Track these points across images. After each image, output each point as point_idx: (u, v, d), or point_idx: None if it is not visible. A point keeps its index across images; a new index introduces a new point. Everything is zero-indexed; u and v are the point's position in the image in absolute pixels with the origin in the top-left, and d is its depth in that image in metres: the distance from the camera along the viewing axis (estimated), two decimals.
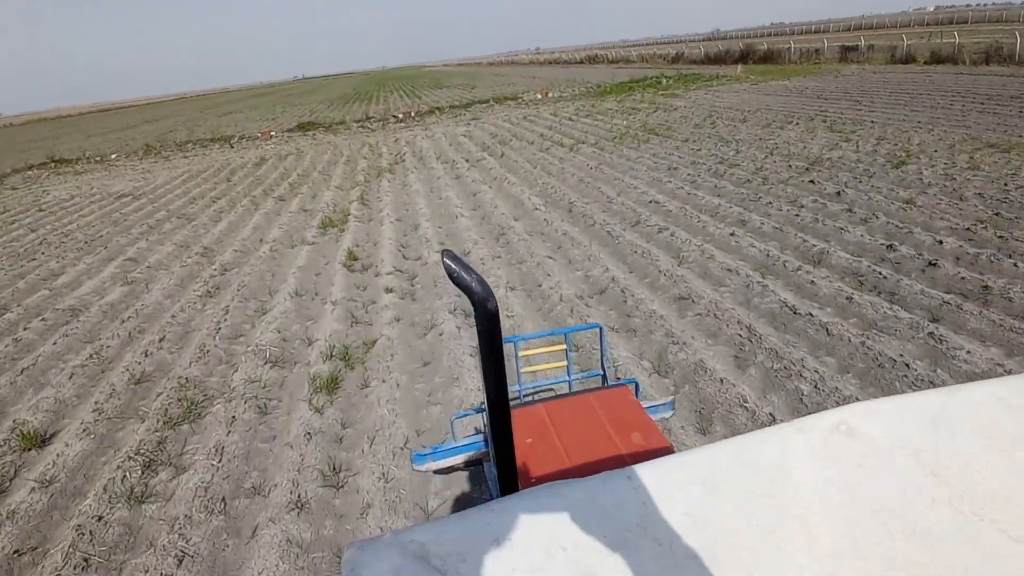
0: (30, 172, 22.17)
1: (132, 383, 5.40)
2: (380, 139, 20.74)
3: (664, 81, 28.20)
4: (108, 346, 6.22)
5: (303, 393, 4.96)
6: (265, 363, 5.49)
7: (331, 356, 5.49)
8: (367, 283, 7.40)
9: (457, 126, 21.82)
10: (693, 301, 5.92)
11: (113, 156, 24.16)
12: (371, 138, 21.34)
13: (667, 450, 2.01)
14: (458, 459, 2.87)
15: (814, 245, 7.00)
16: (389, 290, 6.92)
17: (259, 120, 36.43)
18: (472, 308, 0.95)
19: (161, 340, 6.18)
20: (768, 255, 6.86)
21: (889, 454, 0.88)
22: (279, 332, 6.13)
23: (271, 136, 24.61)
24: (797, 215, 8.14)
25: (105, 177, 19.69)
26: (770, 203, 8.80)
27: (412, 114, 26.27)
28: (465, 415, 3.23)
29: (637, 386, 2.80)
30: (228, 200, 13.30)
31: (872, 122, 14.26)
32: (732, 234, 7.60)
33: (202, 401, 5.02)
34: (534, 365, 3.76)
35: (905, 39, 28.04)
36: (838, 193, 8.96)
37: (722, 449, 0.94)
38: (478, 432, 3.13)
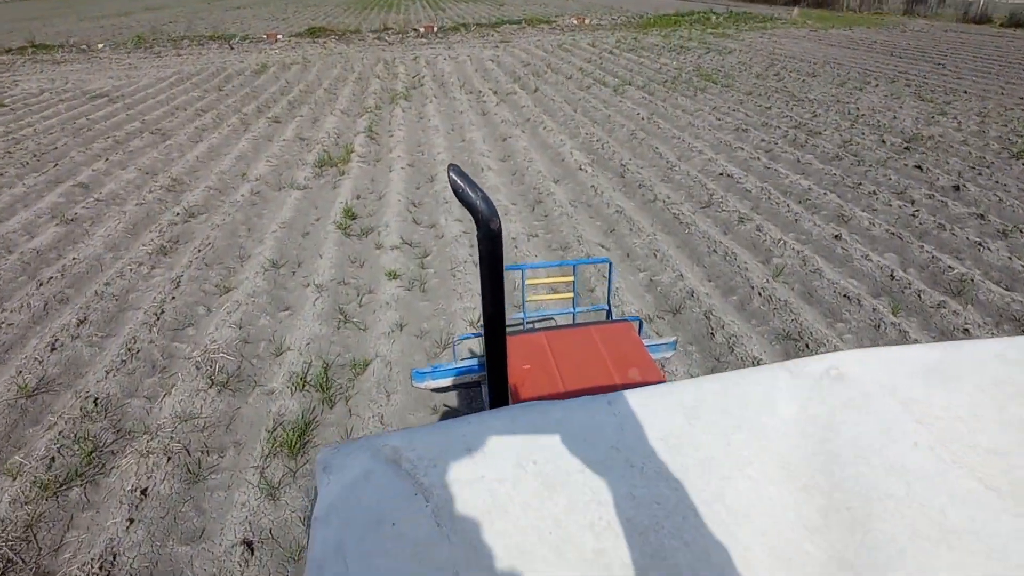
0: (4, 57, 19.73)
1: (21, 397, 3.78)
2: (398, 55, 18.28)
3: (713, 17, 25.14)
4: (10, 323, 4.56)
5: (255, 452, 3.35)
6: (212, 384, 3.86)
7: (304, 383, 3.85)
8: (366, 257, 5.67)
9: (484, 48, 19.26)
10: (807, 345, 4.22)
11: (100, 46, 21.61)
12: (387, 53, 18.84)
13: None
14: (456, 379, 2.90)
15: (949, 267, 5.24)
16: (393, 275, 5.20)
17: (267, 19, 33.19)
18: (475, 227, 0.94)
19: (80, 324, 4.52)
20: (892, 276, 5.10)
21: (878, 399, 0.87)
22: (240, 328, 4.46)
23: (276, 40, 21.97)
24: (913, 215, 6.31)
25: (86, 71, 17.38)
26: (873, 192, 6.92)
27: (435, 29, 23.46)
28: (468, 337, 3.24)
29: (641, 324, 2.86)
30: (215, 115, 11.27)
31: (966, 92, 12.02)
32: (836, 237, 5.80)
33: (109, 445, 3.42)
34: (540, 295, 3.89)
35: None
36: (956, 188, 7.07)
37: (710, 382, 0.93)
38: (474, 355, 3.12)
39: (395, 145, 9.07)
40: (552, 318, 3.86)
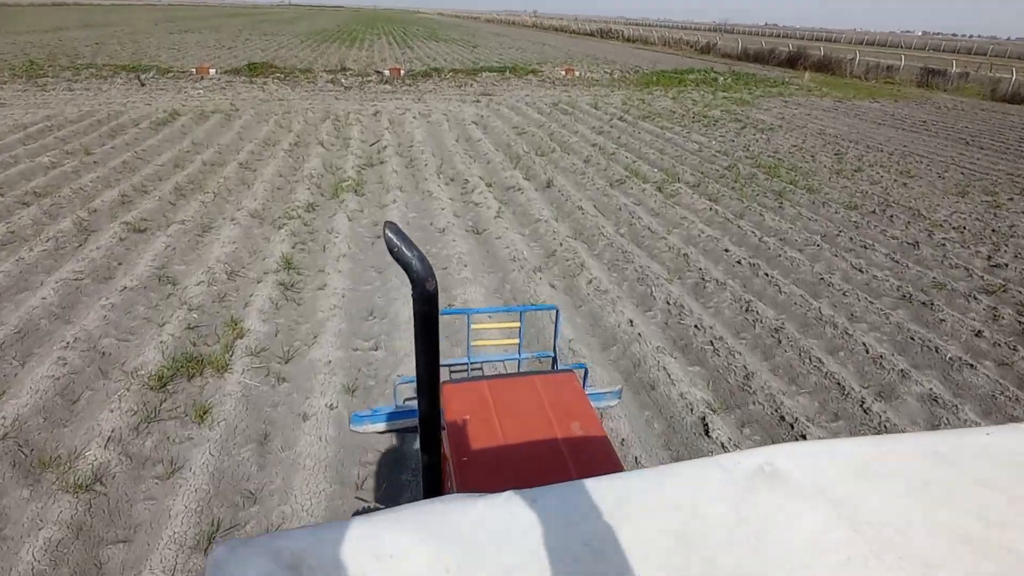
0: None
1: None
2: (354, 108, 14.12)
3: (721, 79, 22.04)
4: None
5: None
6: None
7: None
8: None
9: (463, 103, 15.32)
10: None
11: None
12: (341, 103, 14.67)
13: (603, 440, 1.93)
14: (397, 423, 2.98)
15: None
16: None
17: (211, 47, 28.67)
18: (411, 287, 0.92)
19: None
20: None
21: (810, 503, 0.83)
22: None
23: (207, 75, 17.53)
24: None
25: None
26: None
27: (402, 72, 19.48)
28: (408, 381, 3.01)
29: (586, 372, 2.91)
30: (42, 210, 6.84)
31: None
32: None
33: None
34: (484, 340, 3.82)
35: (1015, 72, 22.49)
36: None
37: (634, 480, 0.88)
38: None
39: (326, 317, 4.85)
40: (497, 363, 3.85)
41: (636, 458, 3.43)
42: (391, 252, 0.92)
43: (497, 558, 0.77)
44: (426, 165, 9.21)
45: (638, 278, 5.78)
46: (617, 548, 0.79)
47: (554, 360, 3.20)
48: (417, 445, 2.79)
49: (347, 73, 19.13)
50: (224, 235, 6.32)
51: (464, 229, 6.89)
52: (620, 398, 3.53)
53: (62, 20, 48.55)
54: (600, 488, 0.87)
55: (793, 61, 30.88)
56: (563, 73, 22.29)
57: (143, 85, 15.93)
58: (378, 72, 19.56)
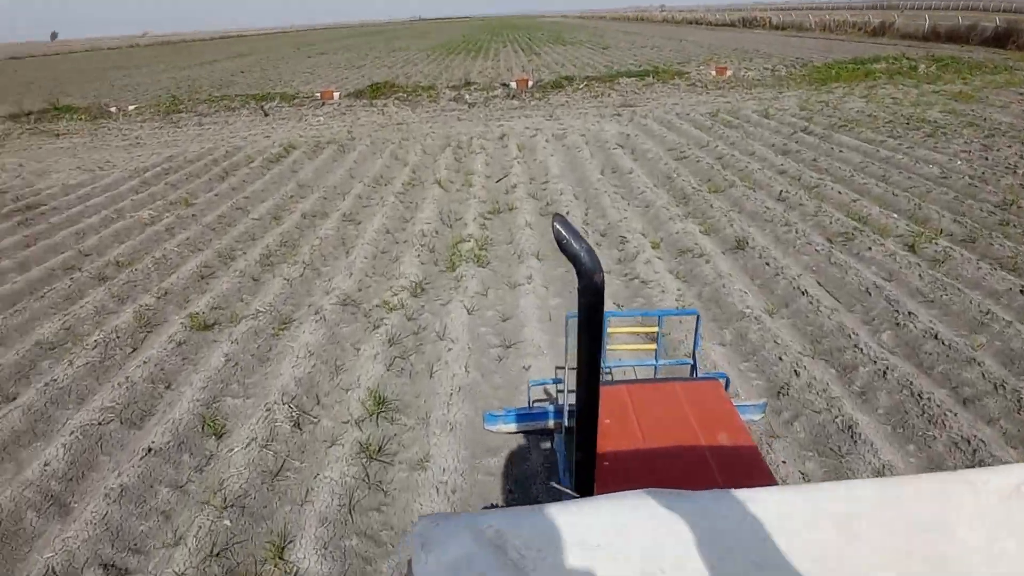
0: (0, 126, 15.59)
1: None
2: (477, 129, 12.42)
3: (922, 67, 17.78)
4: None
5: None
6: None
7: None
8: None
9: (602, 119, 13.07)
10: None
11: (132, 108, 17.31)
12: (464, 125, 13.05)
13: (752, 452, 1.84)
14: (529, 425, 3.15)
15: None
16: None
17: (340, 68, 28.94)
18: (578, 277, 0.89)
19: None
20: None
21: None
22: None
23: (330, 99, 16.87)
24: None
25: (66, 153, 12.72)
26: None
27: (529, 84, 17.65)
28: (542, 383, 3.28)
29: (728, 382, 2.66)
30: (117, 293, 5.66)
31: None
32: None
33: None
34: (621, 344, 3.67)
35: None
36: None
37: (865, 488, 0.81)
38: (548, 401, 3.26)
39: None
40: (628, 369, 3.64)
41: None
42: (559, 244, 0.90)
43: (716, 566, 0.71)
44: (568, 212, 7.10)
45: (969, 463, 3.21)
46: (853, 568, 0.71)
47: (693, 368, 3.05)
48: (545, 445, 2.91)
49: (471, 88, 17.66)
50: (302, 340, 4.63)
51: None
52: (764, 413, 3.37)
53: (218, 52, 52.96)
54: (822, 495, 0.80)
55: (1002, 39, 24.99)
56: (714, 73, 19.25)
57: (266, 115, 15.48)
58: (504, 85, 17.89)
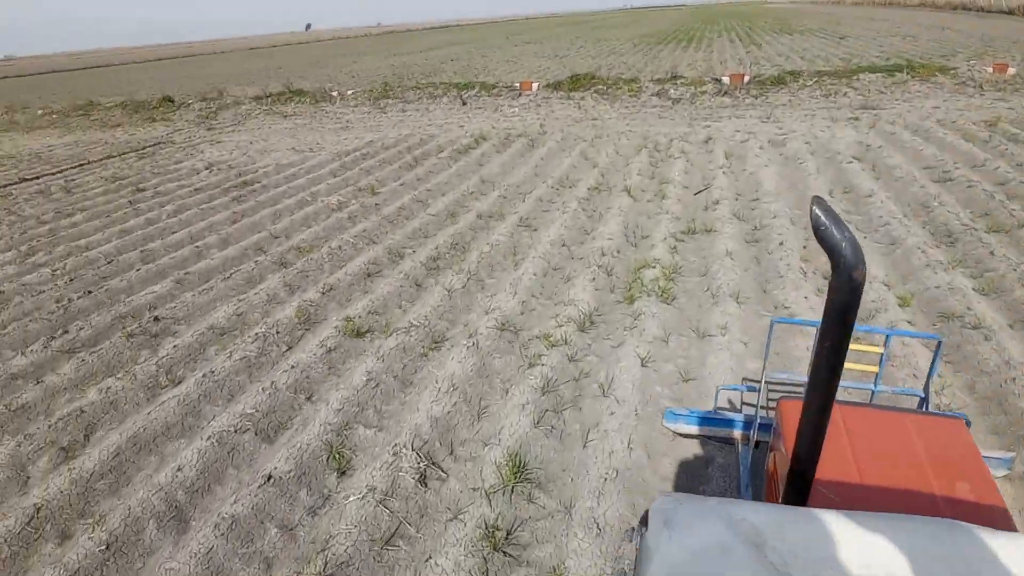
0: (243, 107, 17.96)
1: None
2: (679, 130, 11.23)
3: None
4: None
5: None
6: None
7: None
8: None
9: (835, 122, 11.04)
10: None
11: (350, 93, 18.95)
12: (664, 124, 11.92)
13: (1001, 511, 1.52)
14: (710, 430, 3.01)
15: None
16: None
17: (545, 58, 29.03)
18: (833, 271, 0.84)
19: None
20: None
21: None
22: None
23: (528, 90, 16.73)
24: None
25: (288, 133, 14.11)
26: None
27: (745, 78, 15.76)
28: (734, 389, 3.21)
29: (968, 423, 2.10)
30: (289, 282, 5.80)
31: None
32: None
33: None
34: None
35: None
36: None
37: None
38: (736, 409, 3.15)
39: None
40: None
41: None
42: (817, 232, 0.84)
43: None
44: (782, 243, 5.80)
45: None
46: None
47: (923, 401, 2.70)
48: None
49: (677, 82, 16.29)
50: (448, 369, 4.15)
51: None
52: (1010, 468, 2.90)
53: (435, 41, 56.94)
54: None
55: None
56: (990, 70, 15.49)
57: (464, 104, 15.78)
58: (715, 80, 16.22)
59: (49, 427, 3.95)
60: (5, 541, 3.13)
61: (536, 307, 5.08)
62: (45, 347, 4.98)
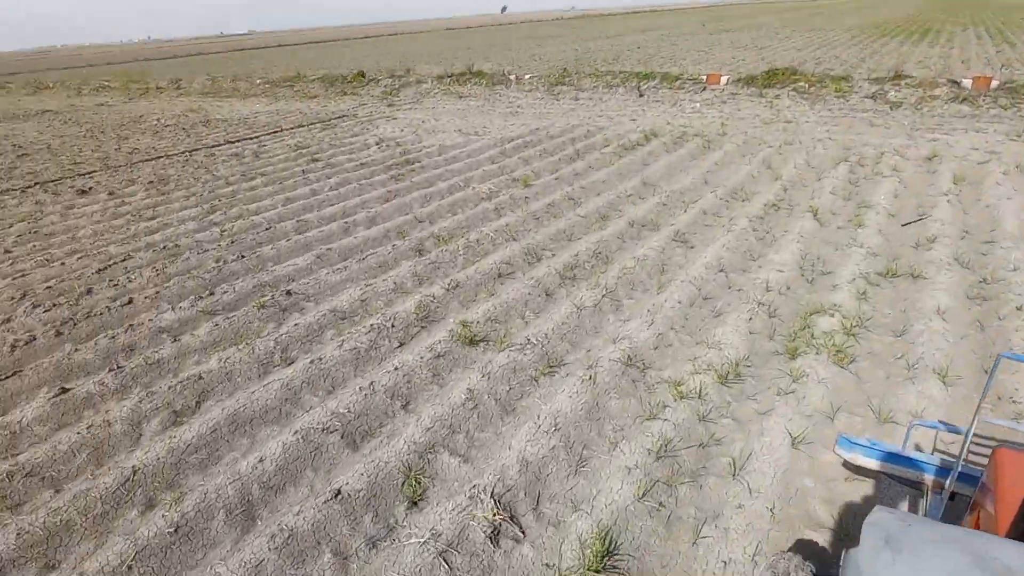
0: (424, 85, 18.75)
1: None
2: (895, 141, 9.48)
3: None
4: None
5: None
6: None
7: None
8: None
9: None
10: None
11: (527, 77, 19.03)
12: (876, 133, 10.18)
13: None
14: (892, 468, 2.70)
15: None
16: None
17: (744, 47, 26.80)
18: None
19: None
20: None
21: None
22: None
23: (716, 83, 15.42)
24: None
25: (459, 113, 14.41)
26: None
27: (993, 83, 12.95)
28: (930, 426, 2.94)
29: None
30: (420, 272, 5.73)
31: None
32: None
33: None
34: None
35: None
36: None
37: None
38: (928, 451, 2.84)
39: None
40: None
41: None
42: None
43: None
44: (1021, 307, 4.44)
45: None
46: None
47: None
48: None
49: (901, 83, 13.91)
50: (556, 403, 3.68)
51: None
52: None
53: (626, 26, 55.61)
54: None
55: None
56: None
57: (641, 95, 14.94)
58: (952, 82, 13.58)
59: (170, 388, 4.16)
60: (99, 498, 3.28)
61: (673, 343, 4.39)
62: (192, 305, 5.36)
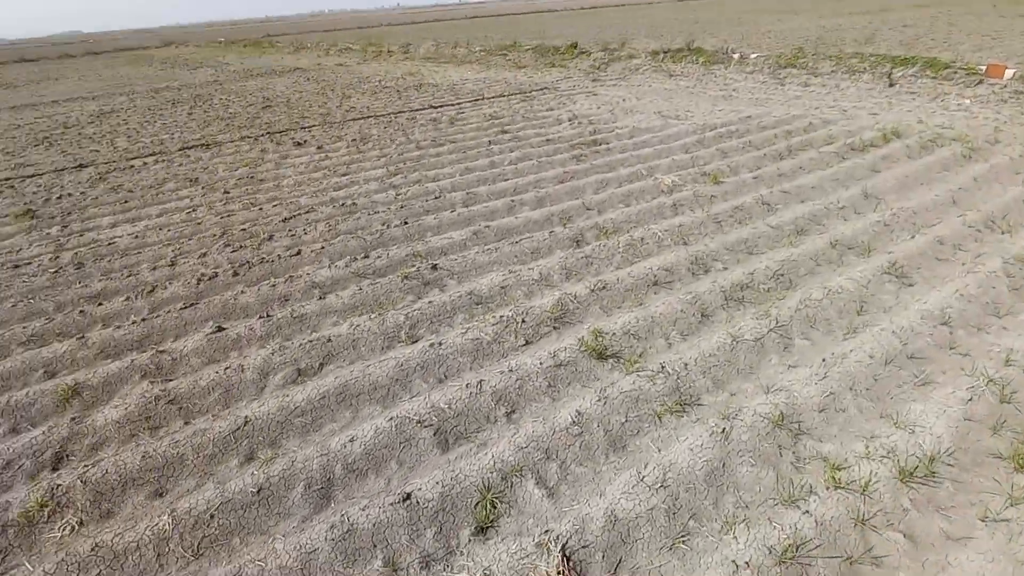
0: (635, 61, 17.95)
1: None
2: None
3: None
4: None
5: None
6: None
7: None
8: None
9: None
10: None
11: (753, 57, 17.31)
12: None
13: None
14: None
15: None
16: None
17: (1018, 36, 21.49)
18: None
19: None
20: None
21: None
22: None
23: (996, 77, 12.51)
24: None
25: (670, 93, 13.53)
26: None
27: None
28: None
29: None
30: (575, 263, 5.45)
31: None
32: None
33: None
34: None
35: None
36: None
37: None
38: None
39: None
40: None
41: None
42: None
43: None
44: None
45: None
46: None
47: None
48: None
49: None
50: (670, 455, 3.17)
51: None
52: None
53: (899, 0, 48.04)
54: None
55: None
56: None
57: (892, 85, 12.67)
58: None
59: (302, 345, 4.38)
60: (212, 440, 3.53)
61: (848, 408, 3.53)
62: (347, 265, 5.64)
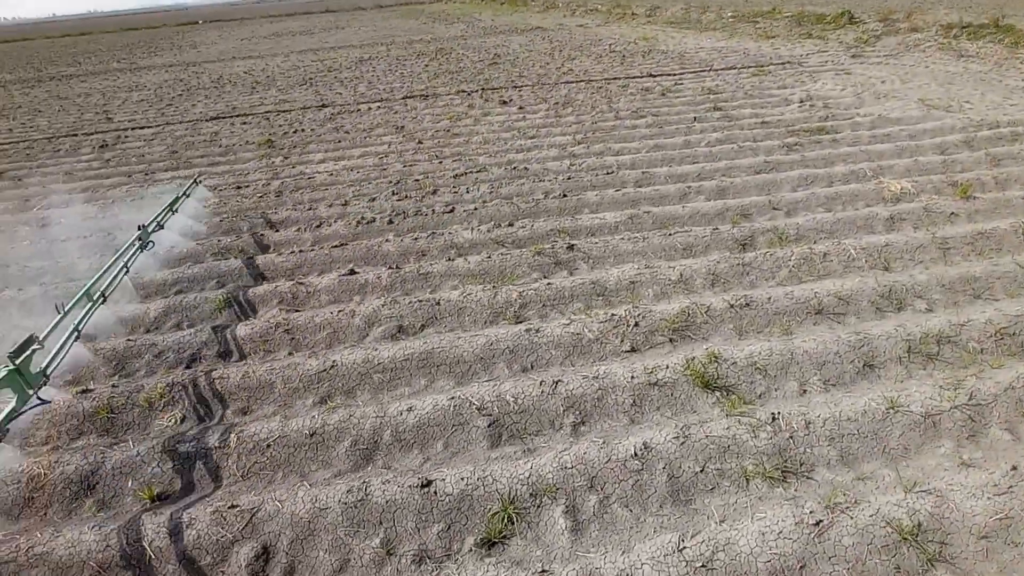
0: (916, 35, 14.95)
1: None
2: None
3: None
4: None
5: None
6: None
7: None
8: None
9: None
10: None
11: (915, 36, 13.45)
12: None
13: None
14: None
15: None
16: None
17: None
18: None
19: None
20: None
21: None
22: None
23: None
24: None
25: (951, 77, 11.13)
26: None
27: None
28: None
29: None
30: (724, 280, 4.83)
31: None
32: None
33: None
34: None
35: None
36: None
37: None
38: None
39: None
40: None
41: None
42: None
43: None
44: None
45: None
46: None
47: None
48: None
49: None
50: (676, 541, 2.62)
51: None
52: None
53: None
54: None
55: None
56: None
57: None
58: None
59: (412, 303, 4.48)
60: (300, 376, 3.79)
61: (1022, 546, 2.57)
62: (490, 231, 5.62)
